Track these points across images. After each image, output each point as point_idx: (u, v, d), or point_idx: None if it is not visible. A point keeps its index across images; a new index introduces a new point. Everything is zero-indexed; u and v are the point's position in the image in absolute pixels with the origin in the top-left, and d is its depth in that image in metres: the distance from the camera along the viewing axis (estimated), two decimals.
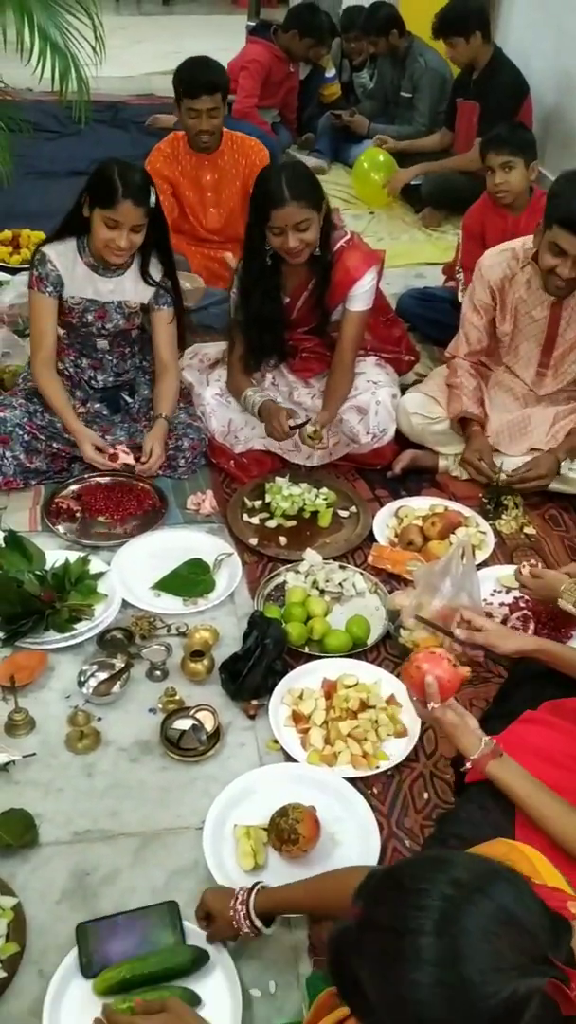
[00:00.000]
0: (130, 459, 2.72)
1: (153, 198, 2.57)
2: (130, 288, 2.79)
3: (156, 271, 2.78)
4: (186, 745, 2.05)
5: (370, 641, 2.35)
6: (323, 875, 1.59)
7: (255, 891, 1.58)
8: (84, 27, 2.19)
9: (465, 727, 1.62)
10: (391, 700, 2.18)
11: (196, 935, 1.69)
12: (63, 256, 2.71)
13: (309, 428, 2.79)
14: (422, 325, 3.72)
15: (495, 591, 2.50)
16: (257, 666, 2.15)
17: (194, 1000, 1.60)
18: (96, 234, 2.59)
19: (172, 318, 2.86)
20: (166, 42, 8.29)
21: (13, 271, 4.01)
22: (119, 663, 2.22)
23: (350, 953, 1.01)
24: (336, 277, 2.82)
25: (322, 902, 1.52)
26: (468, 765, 1.59)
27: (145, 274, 2.77)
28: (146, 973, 1.62)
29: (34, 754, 2.03)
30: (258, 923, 1.56)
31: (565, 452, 2.80)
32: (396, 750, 2.07)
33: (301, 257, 2.70)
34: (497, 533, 2.74)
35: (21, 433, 2.77)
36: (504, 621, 2.36)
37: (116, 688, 2.19)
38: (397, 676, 2.25)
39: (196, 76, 3.41)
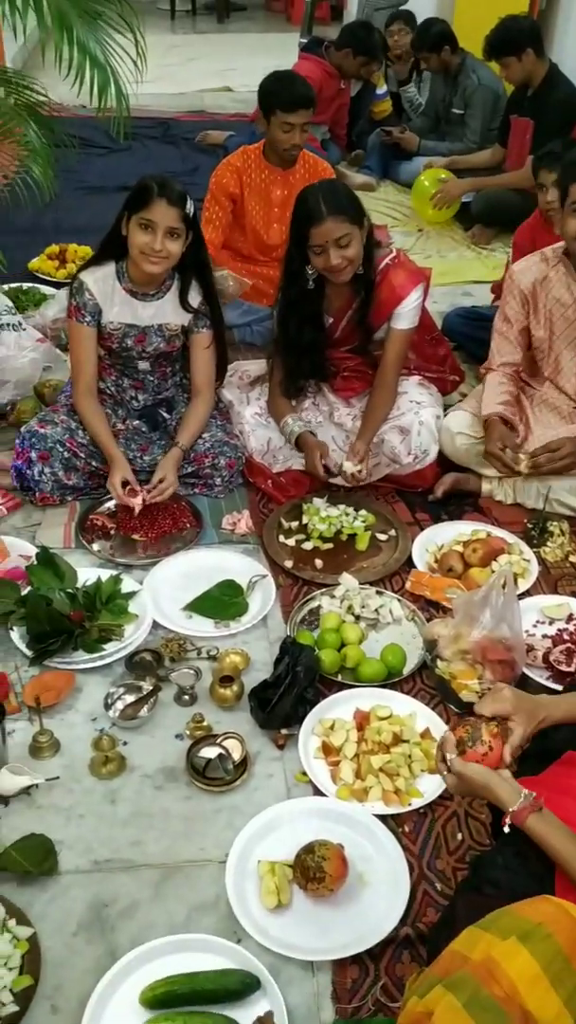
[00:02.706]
0: (138, 507, 2.64)
1: (190, 207, 2.54)
2: (171, 311, 2.76)
3: (195, 298, 2.75)
4: (212, 774, 1.99)
5: (406, 671, 2.27)
6: None
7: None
8: (127, 43, 2.17)
9: (497, 779, 1.52)
10: (426, 734, 2.10)
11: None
12: (101, 283, 2.69)
13: (349, 468, 2.73)
14: (469, 345, 3.65)
15: (538, 622, 2.41)
16: (287, 694, 2.08)
17: None
18: (133, 243, 2.56)
19: (210, 342, 2.82)
20: (219, 60, 8.35)
21: (58, 285, 4.03)
22: (147, 686, 2.18)
23: None
24: (381, 295, 2.76)
25: None
26: (507, 819, 1.49)
27: (184, 301, 2.73)
28: (193, 991, 1.59)
29: (57, 778, 1.99)
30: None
31: None
32: (430, 787, 1.99)
33: (345, 275, 2.65)
34: (541, 561, 2.65)
35: (61, 450, 2.75)
36: (547, 655, 2.26)
37: (143, 712, 2.14)
38: (433, 709, 2.17)
39: (293, 91, 3.37)
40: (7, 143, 2.73)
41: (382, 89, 5.66)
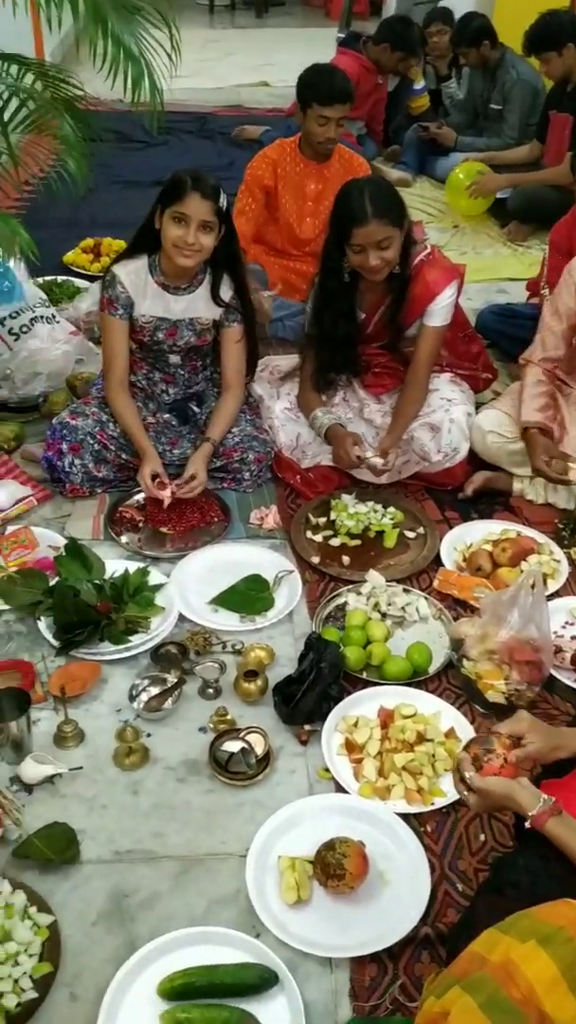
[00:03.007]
0: (167, 501, 2.63)
1: (223, 200, 2.53)
2: (202, 306, 2.76)
3: (227, 292, 2.75)
4: (234, 768, 1.99)
5: (432, 670, 2.26)
6: None
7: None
8: (163, 36, 2.16)
9: (516, 786, 1.52)
10: (450, 734, 2.08)
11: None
12: (134, 276, 2.70)
13: (376, 461, 2.72)
14: (502, 342, 3.61)
15: (567, 623, 2.39)
16: (311, 690, 2.08)
17: None
18: (166, 235, 2.56)
19: (241, 336, 2.81)
20: (257, 55, 8.34)
21: (92, 278, 4.04)
22: (172, 679, 2.18)
23: None
24: (415, 292, 2.74)
25: None
26: (528, 823, 1.49)
27: (216, 295, 2.73)
28: (211, 983, 1.59)
29: (81, 768, 2.00)
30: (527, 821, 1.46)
31: None
32: (453, 787, 1.97)
33: (380, 275, 2.63)
34: (572, 562, 2.62)
35: (92, 442, 2.76)
36: (575, 657, 2.24)
37: (167, 704, 2.14)
38: (458, 709, 2.16)
39: (331, 84, 3.35)
40: (43, 137, 2.75)
41: (420, 84, 5.62)
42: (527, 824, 1.48)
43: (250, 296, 2.84)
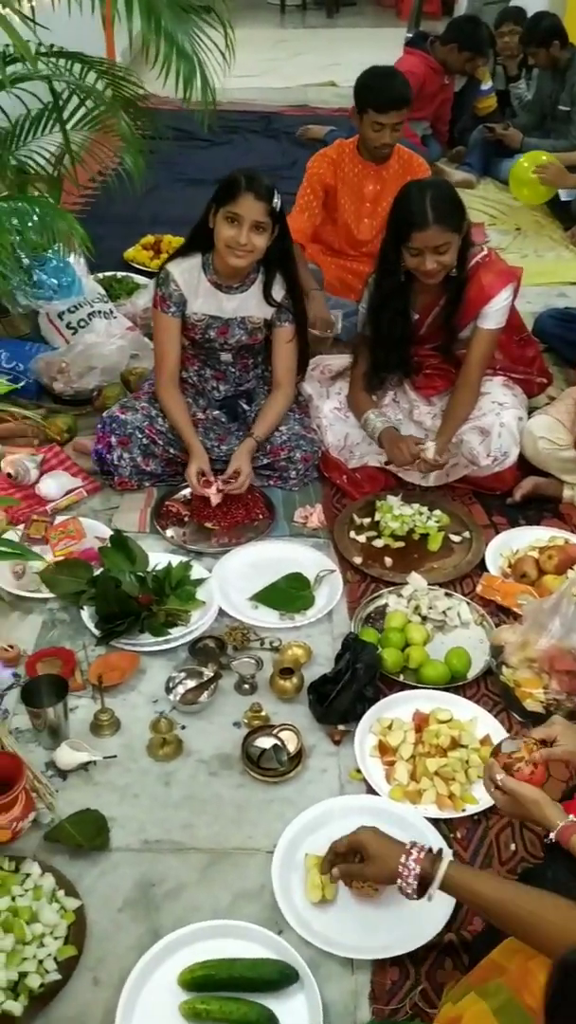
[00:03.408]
0: (216, 498, 2.65)
1: (277, 201, 2.53)
2: (254, 305, 2.77)
3: (279, 291, 2.75)
4: (266, 764, 1.99)
5: (470, 675, 2.24)
6: (541, 893, 1.39)
7: (446, 861, 1.46)
8: (220, 36, 2.18)
9: (546, 798, 1.51)
10: (485, 741, 2.06)
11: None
12: (187, 273, 2.72)
13: (429, 454, 2.69)
14: (561, 347, 3.56)
15: None
16: (346, 690, 2.07)
17: (272, 1021, 1.56)
18: (219, 235, 2.57)
19: (292, 336, 2.81)
20: (326, 55, 8.33)
21: (152, 275, 4.07)
22: (208, 672, 2.20)
23: None
24: (470, 294, 2.72)
25: (522, 924, 1.32)
26: (552, 837, 1.47)
27: (268, 295, 2.74)
28: (231, 977, 1.60)
29: (115, 756, 2.03)
30: (433, 892, 1.45)
31: None
32: (485, 794, 1.92)
33: (436, 279, 2.62)
34: None
35: (140, 436, 2.79)
36: None
37: (203, 698, 2.16)
38: (495, 716, 2.13)
39: (387, 90, 3.31)
40: (108, 136, 2.79)
41: (487, 85, 5.55)
42: (551, 836, 1.47)
43: (303, 297, 2.84)
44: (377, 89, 3.30)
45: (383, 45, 7.40)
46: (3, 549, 1.52)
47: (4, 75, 1.96)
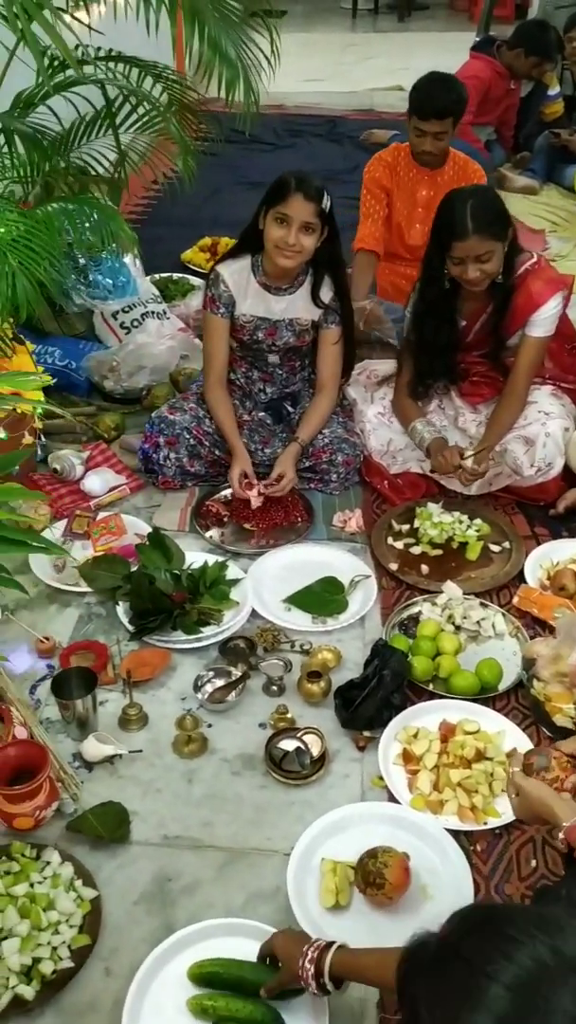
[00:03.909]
0: (257, 501, 2.67)
1: (327, 202, 2.54)
2: (302, 306, 2.78)
3: (327, 293, 2.76)
4: (288, 766, 2.00)
5: (501, 687, 2.21)
6: (387, 951, 1.40)
7: (333, 949, 1.46)
8: (266, 41, 2.20)
9: (556, 796, 1.49)
10: (512, 754, 2.00)
11: None
12: (237, 275, 2.74)
13: (468, 463, 2.67)
14: None
15: None
16: (372, 696, 2.07)
17: (277, 1022, 1.56)
18: (268, 236, 2.58)
19: (338, 338, 2.82)
20: (395, 59, 8.30)
21: (207, 277, 4.11)
22: (237, 672, 2.21)
23: (421, 968, 1.00)
24: (518, 301, 2.68)
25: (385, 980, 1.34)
26: (561, 835, 1.45)
27: (316, 296, 2.75)
28: (238, 976, 1.61)
29: (140, 751, 2.06)
30: (329, 984, 1.45)
31: None
32: (508, 808, 1.90)
33: (480, 286, 2.60)
34: None
35: (188, 437, 2.82)
36: None
37: (231, 697, 2.17)
38: (523, 730, 2.10)
39: (430, 98, 3.29)
40: (167, 140, 2.83)
41: (555, 90, 5.46)
42: (560, 836, 1.45)
43: (350, 298, 2.84)
44: (422, 95, 3.29)
45: (454, 49, 7.32)
46: (35, 544, 1.55)
47: (47, 82, 2.00)
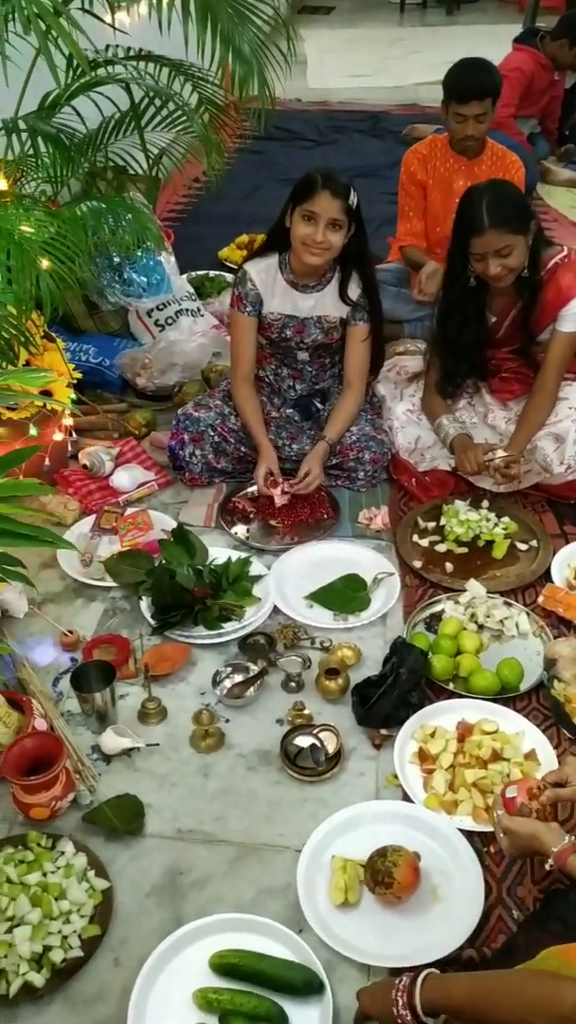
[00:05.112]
0: (282, 500, 2.68)
1: (354, 198, 2.52)
2: (330, 304, 2.77)
3: (355, 290, 2.74)
4: (303, 763, 2.00)
5: (523, 687, 2.18)
6: (501, 974, 1.37)
7: (420, 982, 1.40)
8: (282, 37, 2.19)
9: (542, 827, 1.49)
10: (530, 755, 2.00)
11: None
12: (264, 273, 2.74)
13: (499, 459, 2.64)
14: None
15: None
16: (388, 694, 2.06)
17: (283, 1019, 1.57)
18: (295, 234, 2.58)
19: (366, 335, 2.80)
20: (442, 53, 8.15)
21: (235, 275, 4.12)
22: (256, 668, 2.22)
23: None
24: (547, 296, 2.64)
25: (497, 1010, 1.30)
26: (550, 862, 1.44)
27: (343, 293, 2.74)
28: (257, 972, 1.62)
29: (157, 744, 2.08)
30: (427, 1020, 1.38)
31: None
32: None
33: (504, 282, 2.57)
34: None
35: (212, 434, 2.83)
36: None
37: (249, 693, 2.18)
38: (543, 731, 2.07)
39: (467, 80, 3.27)
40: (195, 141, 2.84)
41: None
42: (549, 863, 1.44)
43: (378, 295, 2.83)
44: (457, 79, 3.26)
45: (502, 41, 7.20)
46: (44, 539, 1.57)
47: (63, 86, 2.02)
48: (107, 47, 2.50)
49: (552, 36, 5.02)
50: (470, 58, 3.39)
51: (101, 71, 2.41)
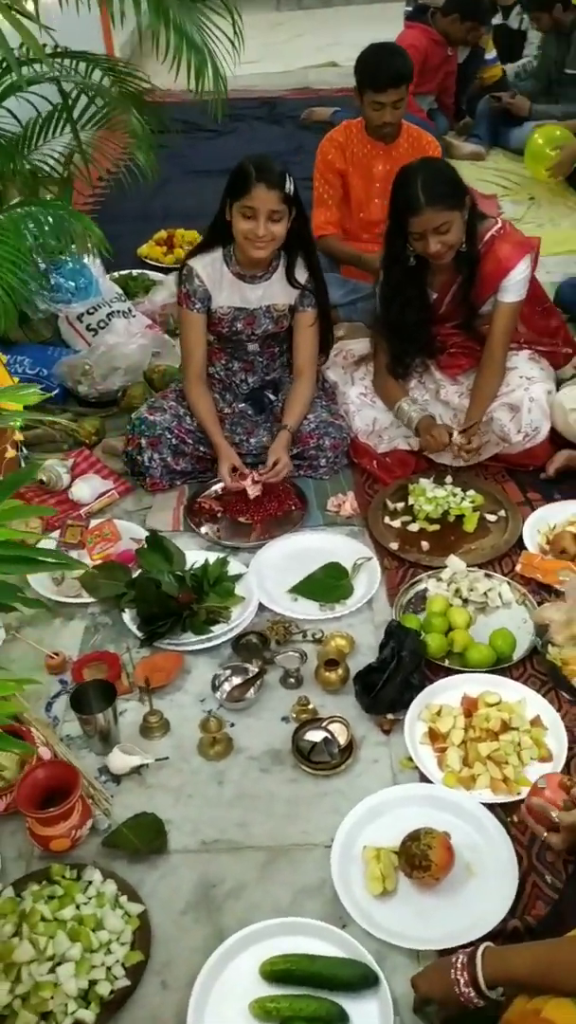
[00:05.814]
0: (254, 491, 2.66)
1: (290, 185, 2.50)
2: (279, 291, 2.74)
3: (302, 274, 2.72)
4: (317, 758, 1.99)
5: (516, 656, 2.21)
6: (561, 942, 1.37)
7: (480, 956, 1.40)
8: (226, 24, 2.15)
9: None
10: (536, 722, 2.04)
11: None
12: (210, 268, 2.69)
13: (457, 439, 2.67)
14: None
15: None
16: (392, 679, 2.06)
17: (343, 1018, 1.56)
18: (237, 229, 2.54)
19: (314, 320, 2.79)
20: (324, 35, 8.24)
21: (166, 271, 4.07)
22: (253, 668, 2.19)
23: None
24: (487, 268, 2.68)
25: (565, 977, 1.29)
26: None
27: (291, 277, 2.72)
28: (310, 972, 1.60)
29: (167, 758, 2.03)
30: (493, 993, 1.38)
31: None
32: (539, 775, 1.92)
33: (444, 259, 2.59)
34: None
35: (170, 437, 2.78)
36: None
37: (249, 694, 2.16)
38: (544, 696, 2.11)
39: (382, 68, 3.25)
40: (115, 132, 2.77)
41: (491, 54, 5.47)
42: None
43: (323, 276, 2.81)
44: (373, 67, 3.25)
45: (380, 21, 7.30)
46: (48, 560, 1.51)
47: (20, 76, 1.93)
48: (21, 44, 2.40)
49: (443, 12, 5.07)
50: (378, 43, 3.39)
51: (27, 70, 2.32)
